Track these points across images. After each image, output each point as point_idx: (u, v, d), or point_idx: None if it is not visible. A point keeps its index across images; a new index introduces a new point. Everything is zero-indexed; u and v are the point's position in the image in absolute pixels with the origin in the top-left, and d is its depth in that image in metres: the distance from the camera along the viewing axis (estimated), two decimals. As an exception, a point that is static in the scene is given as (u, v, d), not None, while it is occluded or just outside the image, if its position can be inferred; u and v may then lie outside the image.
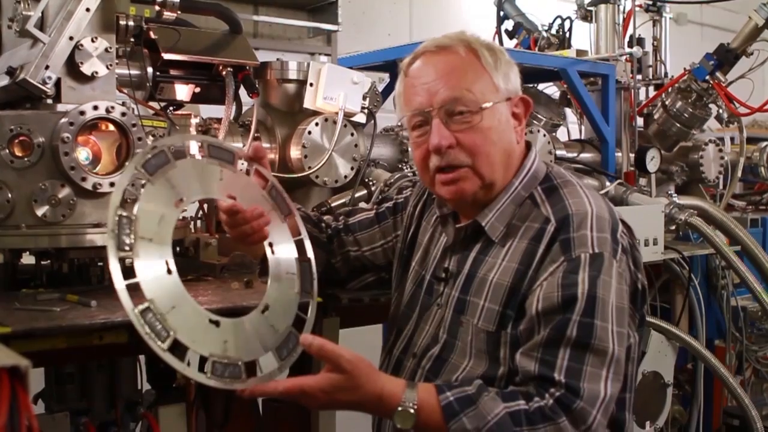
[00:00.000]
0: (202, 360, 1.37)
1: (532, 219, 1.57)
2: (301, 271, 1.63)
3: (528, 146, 1.69)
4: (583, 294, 1.44)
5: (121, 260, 1.32)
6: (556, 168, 1.70)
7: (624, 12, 3.74)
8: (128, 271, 1.33)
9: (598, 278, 1.45)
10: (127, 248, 1.34)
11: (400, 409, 1.41)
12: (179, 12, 2.22)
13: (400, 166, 2.84)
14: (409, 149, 2.97)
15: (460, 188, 1.60)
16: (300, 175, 2.46)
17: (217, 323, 1.42)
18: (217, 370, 1.36)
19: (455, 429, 1.39)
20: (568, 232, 1.51)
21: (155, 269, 1.37)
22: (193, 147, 1.55)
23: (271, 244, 1.62)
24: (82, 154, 1.97)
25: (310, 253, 1.66)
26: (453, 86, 1.57)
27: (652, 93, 3.84)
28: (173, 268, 1.39)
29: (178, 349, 1.34)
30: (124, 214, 1.35)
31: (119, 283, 1.30)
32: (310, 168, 2.44)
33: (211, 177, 1.55)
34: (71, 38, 1.95)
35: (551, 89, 3.84)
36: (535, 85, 3.66)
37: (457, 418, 1.39)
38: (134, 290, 1.33)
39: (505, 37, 4.14)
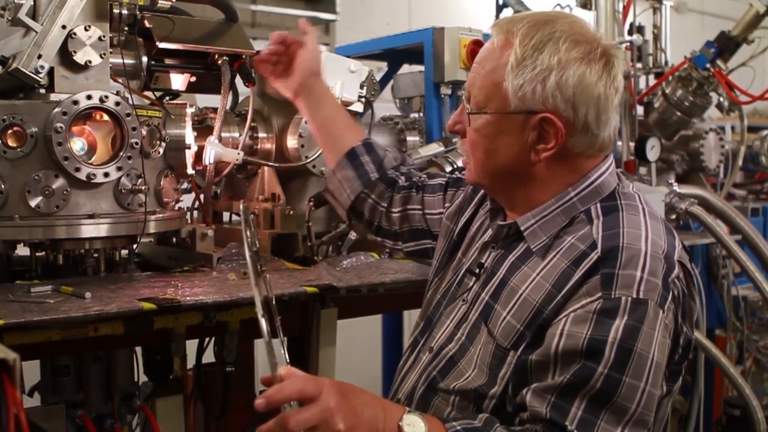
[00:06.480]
0: None
1: (580, 237, 1.41)
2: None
3: (605, 158, 1.50)
4: (614, 344, 1.29)
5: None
6: (628, 187, 1.52)
7: (624, -1, 3.72)
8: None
9: (640, 330, 1.30)
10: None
11: (407, 413, 1.30)
12: (174, 0, 2.20)
13: (398, 155, 2.82)
14: (407, 138, 2.96)
15: (467, 176, 1.58)
16: (297, 164, 2.43)
17: None
18: None
19: None
20: (613, 267, 1.33)
21: None
22: None
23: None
24: (78, 145, 1.95)
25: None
26: (472, 78, 1.50)
27: (652, 81, 3.82)
28: None
29: None
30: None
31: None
32: (307, 158, 2.42)
33: None
34: (64, 27, 1.93)
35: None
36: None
37: None
38: None
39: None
